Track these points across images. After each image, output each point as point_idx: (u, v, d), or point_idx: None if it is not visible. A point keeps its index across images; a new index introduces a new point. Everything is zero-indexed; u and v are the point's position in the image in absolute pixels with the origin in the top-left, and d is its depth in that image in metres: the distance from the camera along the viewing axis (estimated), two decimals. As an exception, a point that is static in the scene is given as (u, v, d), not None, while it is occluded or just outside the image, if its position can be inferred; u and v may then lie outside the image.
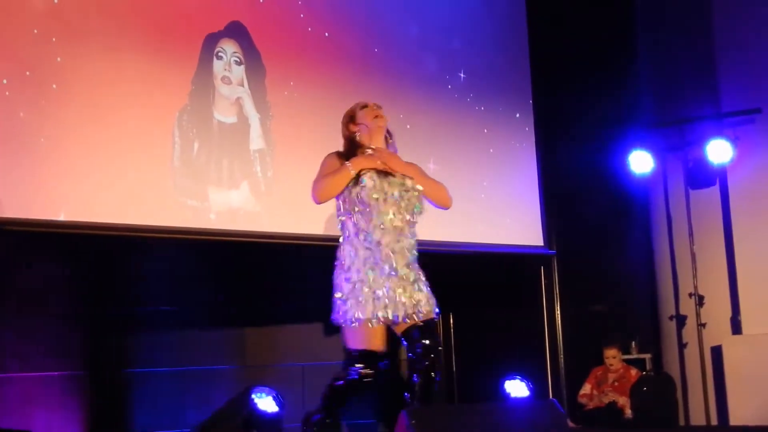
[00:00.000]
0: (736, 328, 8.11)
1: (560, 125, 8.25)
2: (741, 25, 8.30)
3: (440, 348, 4.67)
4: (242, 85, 6.34)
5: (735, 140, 7.97)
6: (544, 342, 8.01)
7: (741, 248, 8.14)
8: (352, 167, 4.53)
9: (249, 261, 6.70)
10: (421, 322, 4.55)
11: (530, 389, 7.57)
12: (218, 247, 6.26)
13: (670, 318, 8.47)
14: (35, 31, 5.45)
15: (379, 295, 4.49)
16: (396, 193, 4.58)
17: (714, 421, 7.96)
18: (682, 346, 8.37)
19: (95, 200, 5.56)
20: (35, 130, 5.40)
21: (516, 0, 8.18)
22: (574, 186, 8.22)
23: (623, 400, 7.73)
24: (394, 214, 4.55)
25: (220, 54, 6.25)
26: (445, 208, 4.81)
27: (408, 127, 6.94)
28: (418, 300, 4.54)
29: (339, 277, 4.62)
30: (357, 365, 4.60)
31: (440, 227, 6.70)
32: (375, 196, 4.54)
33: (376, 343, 4.58)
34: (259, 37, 6.41)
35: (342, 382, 4.65)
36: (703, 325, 8.01)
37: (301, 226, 6.39)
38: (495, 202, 7.62)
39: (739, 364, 7.78)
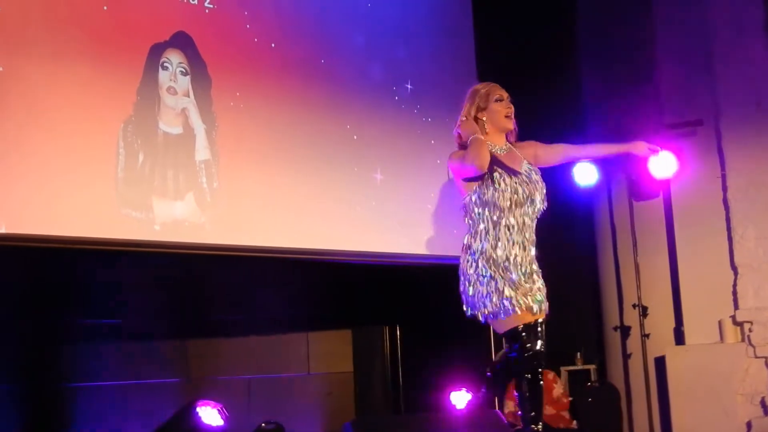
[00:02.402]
0: (679, 338, 8.20)
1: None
2: (682, 37, 8.40)
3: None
4: (188, 96, 6.29)
5: (677, 152, 8.06)
6: (490, 353, 8.02)
7: (684, 259, 8.22)
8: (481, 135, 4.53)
9: (194, 273, 6.65)
10: None
11: (475, 400, 7.58)
12: (163, 259, 6.20)
13: (614, 329, 8.53)
14: (-26, 40, 5.37)
15: None
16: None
17: (657, 431, 8.03)
18: (626, 356, 8.44)
19: (37, 212, 5.46)
20: (-25, 140, 5.31)
21: (463, 12, 8.20)
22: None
23: (551, 410, 7.78)
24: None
25: (165, 64, 6.20)
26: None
27: (355, 137, 6.94)
28: None
29: None
30: None
31: (388, 238, 6.71)
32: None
33: None
34: (204, 48, 6.37)
35: None
36: (647, 335, 8.08)
37: (246, 237, 6.35)
38: (441, 213, 7.63)
39: (682, 375, 7.85)
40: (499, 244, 4.56)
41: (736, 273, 7.96)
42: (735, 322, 7.88)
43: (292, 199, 6.57)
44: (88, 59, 5.78)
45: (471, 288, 4.55)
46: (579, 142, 8.29)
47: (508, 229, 4.58)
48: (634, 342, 8.31)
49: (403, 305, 8.09)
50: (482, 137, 4.53)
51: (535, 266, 4.70)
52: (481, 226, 4.59)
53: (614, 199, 8.67)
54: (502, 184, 4.57)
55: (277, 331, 7.19)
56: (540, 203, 4.72)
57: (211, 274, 6.73)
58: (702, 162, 8.17)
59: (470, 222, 4.66)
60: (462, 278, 4.63)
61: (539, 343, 4.58)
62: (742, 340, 7.82)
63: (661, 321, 8.22)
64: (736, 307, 7.91)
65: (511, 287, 4.52)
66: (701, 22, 8.27)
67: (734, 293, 7.95)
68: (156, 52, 6.15)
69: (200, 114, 6.30)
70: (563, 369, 8.39)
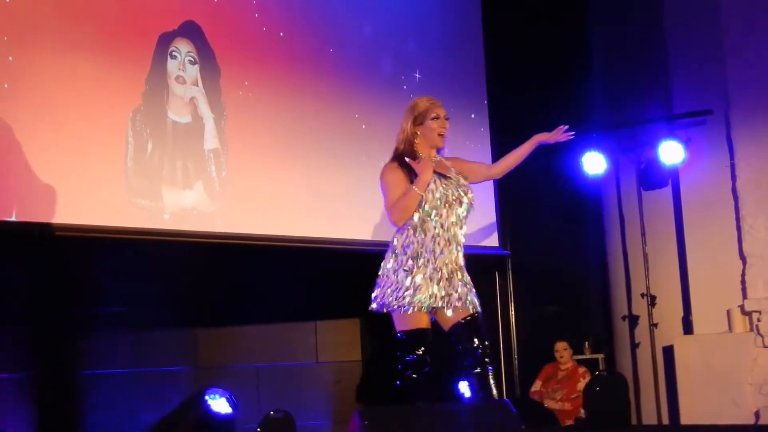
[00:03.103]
0: (688, 328, 8.20)
1: (514, 126, 8.26)
2: (692, 27, 8.38)
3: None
4: (196, 85, 6.31)
5: (687, 142, 8.05)
6: (498, 343, 8.04)
7: (692, 249, 8.23)
8: (419, 190, 4.72)
9: (203, 261, 6.67)
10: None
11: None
12: (172, 248, 6.22)
13: (623, 318, 8.55)
14: (-14, 29, 5.39)
15: None
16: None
17: (665, 421, 8.04)
18: (634, 346, 8.45)
19: (47, 200, 5.49)
20: (-14, 129, 5.33)
21: (472, 2, 8.20)
22: (528, 187, 8.27)
23: (567, 406, 7.83)
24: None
25: (174, 53, 6.21)
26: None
27: (363, 127, 6.95)
28: None
29: None
30: None
31: (393, 227, 6.72)
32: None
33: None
34: (213, 37, 6.38)
35: None
36: (655, 325, 8.08)
37: (255, 226, 6.38)
38: (450, 203, 7.63)
39: (691, 364, 7.86)
40: (426, 243, 4.73)
41: (744, 263, 7.96)
42: (743, 312, 7.89)
43: (300, 188, 6.59)
44: (97, 49, 5.80)
45: (392, 285, 4.75)
46: (588, 132, 8.36)
47: (435, 229, 4.75)
48: (642, 331, 8.31)
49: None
50: (421, 193, 4.70)
51: (459, 264, 4.87)
52: (410, 225, 4.75)
53: (623, 189, 8.67)
54: (432, 185, 4.75)
55: (286, 319, 7.21)
56: (467, 205, 4.90)
57: (221, 262, 6.75)
58: (711, 151, 8.17)
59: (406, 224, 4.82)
60: (383, 275, 4.82)
61: (475, 338, 4.75)
62: (751, 329, 7.82)
63: (669, 310, 8.22)
64: (745, 296, 7.91)
65: (435, 285, 4.71)
66: (712, 12, 8.25)
67: (743, 283, 7.94)
68: (165, 41, 6.17)
69: (209, 103, 6.32)
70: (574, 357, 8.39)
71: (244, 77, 6.50)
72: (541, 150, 8.07)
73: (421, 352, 4.81)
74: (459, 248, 4.87)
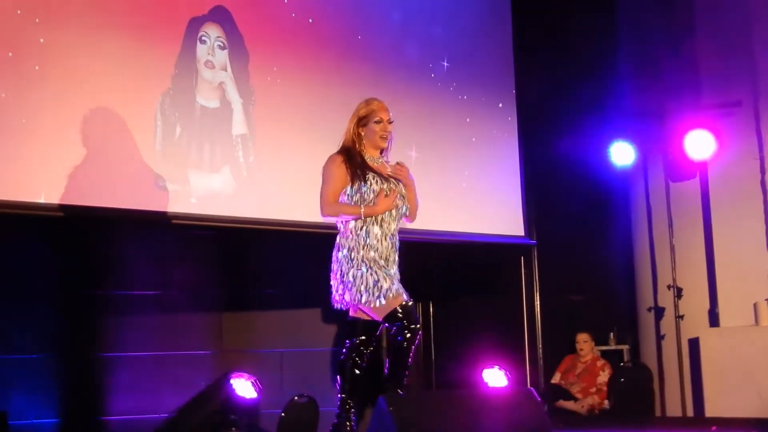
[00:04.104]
0: (714, 320, 8.16)
1: (542, 116, 8.27)
2: (722, 17, 8.33)
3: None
4: (225, 70, 6.33)
5: (715, 133, 8.00)
6: (522, 332, 8.03)
7: (720, 241, 8.18)
8: (364, 215, 4.85)
9: (229, 245, 6.70)
10: None
11: (508, 378, 7.60)
12: (197, 232, 6.25)
13: (649, 309, 8.51)
14: (18, 12, 5.43)
15: None
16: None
17: (690, 413, 8.01)
18: (659, 337, 8.42)
19: (75, 182, 5.53)
20: (16, 111, 5.38)
21: (500, -10, 8.18)
22: (555, 176, 8.25)
23: (591, 400, 7.83)
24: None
25: (203, 38, 6.23)
26: (410, 222, 5.19)
27: (391, 114, 6.92)
28: None
29: None
30: None
31: (422, 215, 6.71)
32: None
33: None
34: (242, 22, 6.40)
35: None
36: (681, 317, 8.05)
37: (281, 211, 6.40)
38: (476, 192, 7.63)
39: (716, 357, 7.82)
40: (369, 240, 4.84)
41: (772, 255, 7.92)
42: (770, 305, 7.84)
43: (327, 174, 6.59)
44: (127, 33, 5.84)
45: (345, 284, 4.83)
46: (616, 122, 8.33)
47: (376, 226, 4.87)
48: (668, 323, 8.28)
49: (436, 282, 8.11)
50: (362, 217, 4.85)
51: (394, 257, 4.96)
52: (352, 224, 4.87)
53: (650, 180, 8.62)
54: (375, 185, 4.87)
55: (310, 305, 7.22)
56: (402, 205, 4.99)
57: (246, 247, 6.77)
58: (740, 143, 8.11)
59: (342, 222, 4.93)
60: (335, 275, 4.90)
61: (416, 319, 4.82)
62: (777, 323, 7.78)
63: (695, 303, 8.18)
64: (772, 289, 7.86)
65: (384, 277, 4.78)
66: (740, 3, 8.19)
67: (770, 276, 7.91)
68: (194, 25, 6.19)
69: (237, 88, 6.35)
70: (596, 348, 8.37)
71: (273, 63, 6.52)
72: (569, 139, 8.09)
73: (360, 340, 4.94)
74: (395, 243, 4.96)
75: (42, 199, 5.43)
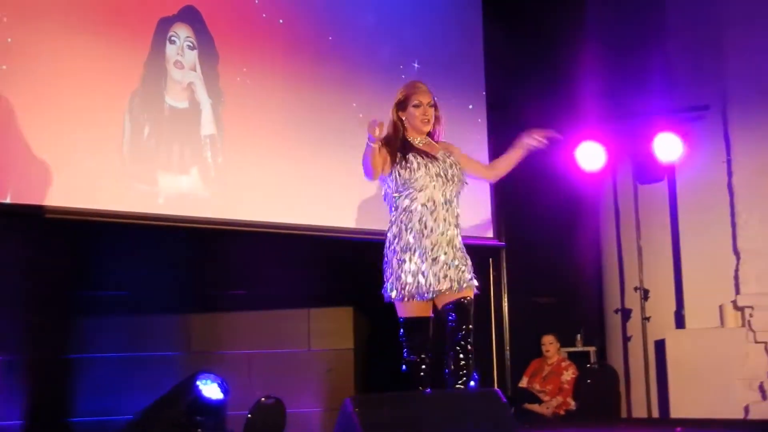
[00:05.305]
0: (680, 322, 8.22)
1: (512, 117, 8.28)
2: (692, 21, 8.39)
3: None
4: (195, 71, 6.31)
5: (683, 137, 8.06)
6: (490, 333, 8.05)
7: (686, 244, 8.24)
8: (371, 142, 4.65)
9: (197, 246, 6.67)
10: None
11: (475, 379, 7.60)
12: (166, 232, 6.23)
13: (616, 311, 8.57)
14: (-15, 10, 5.40)
15: None
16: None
17: (655, 414, 8.07)
18: (626, 339, 8.48)
19: (43, 182, 5.50)
20: (-17, 110, 5.34)
21: (472, -8, 8.20)
22: (524, 178, 8.25)
23: (556, 402, 7.87)
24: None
25: (173, 38, 6.21)
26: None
27: (360, 116, 6.93)
28: None
29: None
30: None
31: (388, 216, 6.72)
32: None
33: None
34: (212, 23, 6.38)
35: None
36: (648, 318, 8.11)
37: (249, 212, 6.39)
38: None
39: (682, 358, 7.88)
40: (413, 226, 4.75)
41: (738, 258, 7.99)
42: (736, 307, 7.92)
43: (295, 175, 6.60)
44: (96, 32, 5.81)
45: (393, 274, 4.78)
46: (585, 125, 8.37)
47: (423, 209, 4.76)
48: (634, 325, 8.34)
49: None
50: (376, 146, 4.65)
51: (453, 244, 4.84)
52: (402, 208, 4.78)
53: (619, 182, 8.68)
54: (415, 164, 4.77)
55: (279, 306, 7.21)
56: (457, 182, 4.89)
57: (214, 248, 6.76)
58: (708, 147, 8.18)
59: (393, 207, 4.85)
60: (385, 264, 4.86)
61: (465, 319, 4.76)
62: (743, 325, 7.85)
63: (662, 304, 8.24)
64: (738, 292, 7.94)
65: (426, 273, 4.72)
66: (712, 7, 8.26)
67: (736, 278, 7.97)
68: (164, 25, 6.17)
69: (206, 89, 6.33)
70: (563, 350, 8.42)
71: (243, 63, 6.50)
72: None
73: (419, 340, 4.81)
74: (450, 227, 4.84)
75: (8, 200, 5.40)
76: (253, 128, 6.49)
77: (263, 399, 6.55)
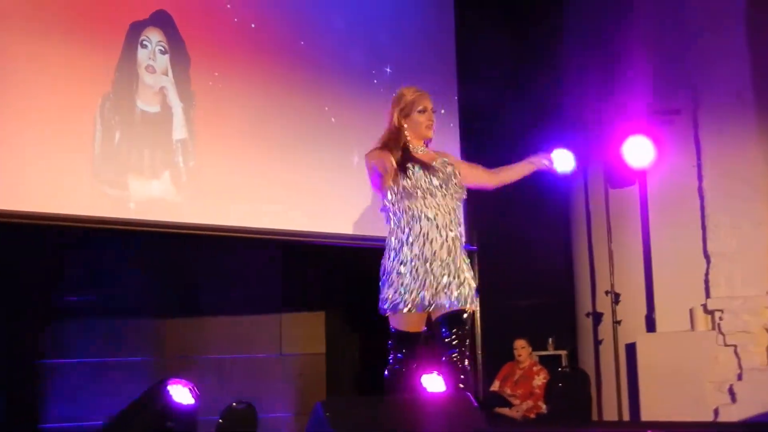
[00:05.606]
0: (651, 325, 8.26)
1: (484, 122, 8.32)
2: (663, 26, 8.43)
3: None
4: (166, 75, 6.30)
5: (655, 140, 8.10)
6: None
7: (657, 248, 8.28)
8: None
9: (168, 251, 6.66)
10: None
11: (447, 384, 7.61)
12: (137, 238, 6.21)
13: (587, 315, 8.59)
14: (-48, 13, 5.37)
15: None
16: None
17: (626, 417, 8.10)
18: (597, 342, 8.50)
19: (13, 187, 5.47)
20: (-49, 114, 5.31)
21: (444, -3, 8.22)
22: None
23: (526, 405, 7.90)
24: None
25: (144, 42, 6.20)
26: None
27: (333, 120, 6.95)
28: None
29: None
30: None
31: (364, 221, 6.74)
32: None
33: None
34: (184, 27, 6.37)
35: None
36: (619, 322, 8.13)
37: (221, 217, 6.37)
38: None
39: (653, 361, 7.91)
40: (413, 237, 4.69)
41: (708, 262, 8.03)
42: (706, 311, 7.95)
43: (267, 180, 6.59)
44: (68, 35, 5.79)
45: (391, 285, 4.72)
46: (556, 129, 8.39)
47: (422, 221, 4.69)
48: (605, 328, 8.36)
49: (377, 288, 8.11)
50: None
51: (458, 254, 4.77)
52: (402, 220, 4.72)
53: (590, 186, 8.71)
54: (416, 173, 4.69)
55: (250, 311, 7.21)
56: (456, 191, 4.82)
57: (186, 253, 6.74)
58: (679, 151, 8.21)
59: (393, 218, 4.78)
60: (382, 275, 4.80)
61: (460, 331, 4.74)
62: (713, 328, 7.89)
63: (633, 308, 8.27)
64: (708, 295, 7.97)
65: (423, 288, 4.67)
66: (683, 11, 8.30)
67: (706, 282, 8.01)
68: (135, 30, 6.15)
69: (178, 93, 6.31)
70: (535, 354, 8.45)
71: (215, 68, 6.49)
72: (510, 146, 8.13)
73: (409, 353, 4.81)
74: (452, 238, 4.77)
75: (-23, 204, 5.37)
76: (225, 132, 6.48)
77: (234, 404, 6.53)
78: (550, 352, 8.67)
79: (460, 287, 4.76)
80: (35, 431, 6.21)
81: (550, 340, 8.70)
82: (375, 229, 6.96)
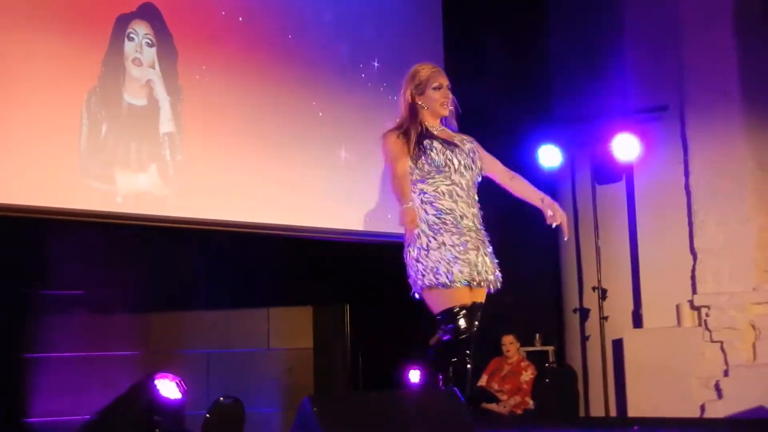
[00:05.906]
0: (637, 321, 8.29)
1: (471, 118, 8.29)
2: (651, 23, 8.45)
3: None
4: (153, 68, 6.26)
5: (641, 137, 8.12)
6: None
7: (644, 244, 8.31)
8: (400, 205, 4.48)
9: (155, 245, 6.64)
10: None
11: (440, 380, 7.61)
12: (124, 231, 6.18)
13: (574, 311, 8.62)
14: (-61, 7, 5.33)
15: None
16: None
17: (613, 413, 8.13)
18: (584, 338, 8.53)
19: (-1, 180, 5.45)
20: (-63, 108, 5.27)
21: (431, -9, 8.21)
22: (483, 178, 8.28)
23: (513, 401, 7.90)
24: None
25: (131, 35, 6.16)
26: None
27: (320, 114, 6.93)
28: None
29: None
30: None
31: (351, 215, 6.73)
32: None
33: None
34: (171, 20, 6.33)
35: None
36: (606, 318, 8.16)
37: (208, 211, 6.34)
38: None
39: (639, 357, 7.95)
40: (437, 212, 4.54)
41: (695, 258, 8.06)
42: (692, 307, 7.99)
43: (255, 174, 6.57)
44: (54, 28, 5.74)
45: (424, 267, 4.53)
46: (544, 125, 8.41)
47: (448, 196, 4.58)
48: (592, 324, 8.39)
49: (364, 283, 8.12)
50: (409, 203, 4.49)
51: (483, 232, 4.71)
52: (426, 199, 4.57)
53: (577, 182, 8.73)
54: (435, 151, 4.57)
55: (238, 305, 7.20)
56: (477, 168, 4.73)
57: (172, 247, 6.72)
58: (666, 147, 8.25)
59: (420, 196, 4.60)
60: (410, 260, 4.59)
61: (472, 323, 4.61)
62: (699, 324, 7.92)
63: (620, 304, 8.30)
64: (694, 291, 8.01)
65: (454, 256, 4.50)
66: (671, 9, 8.32)
67: (693, 278, 8.04)
68: (122, 22, 6.11)
69: (165, 86, 6.28)
70: (522, 350, 8.45)
71: (202, 61, 6.46)
72: (498, 141, 8.13)
73: (468, 324, 4.66)
74: (477, 216, 4.69)
75: (-37, 197, 5.34)
76: (213, 126, 6.45)
77: (222, 398, 6.53)
78: (538, 347, 8.68)
79: (495, 269, 4.71)
80: (21, 425, 6.17)
81: (538, 336, 8.71)
82: (363, 223, 6.99)
